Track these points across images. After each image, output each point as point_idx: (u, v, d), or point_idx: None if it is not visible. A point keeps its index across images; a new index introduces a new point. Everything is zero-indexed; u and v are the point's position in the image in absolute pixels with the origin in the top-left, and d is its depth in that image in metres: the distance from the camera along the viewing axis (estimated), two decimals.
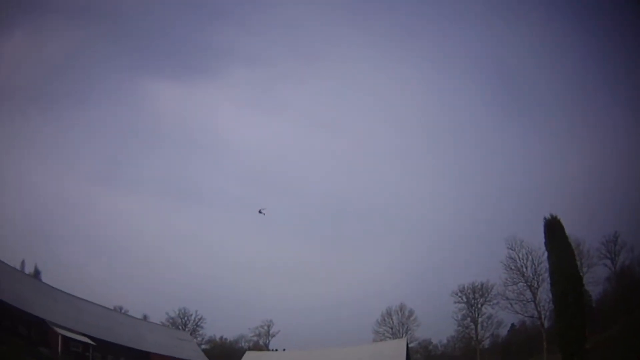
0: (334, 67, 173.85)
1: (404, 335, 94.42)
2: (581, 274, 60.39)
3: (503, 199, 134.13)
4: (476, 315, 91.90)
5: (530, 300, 78.76)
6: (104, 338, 56.46)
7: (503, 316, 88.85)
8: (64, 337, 49.76)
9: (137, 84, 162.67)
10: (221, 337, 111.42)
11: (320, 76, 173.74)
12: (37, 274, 74.40)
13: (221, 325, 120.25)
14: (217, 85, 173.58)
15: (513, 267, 79.82)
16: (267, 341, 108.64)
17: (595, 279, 75.20)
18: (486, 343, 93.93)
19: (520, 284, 79.73)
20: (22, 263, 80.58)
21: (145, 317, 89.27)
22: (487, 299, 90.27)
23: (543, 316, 77.30)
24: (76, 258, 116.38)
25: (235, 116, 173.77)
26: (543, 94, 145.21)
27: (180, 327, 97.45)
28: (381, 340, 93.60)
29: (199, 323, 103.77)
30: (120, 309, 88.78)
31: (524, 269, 79.13)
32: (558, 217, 53.75)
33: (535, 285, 78.11)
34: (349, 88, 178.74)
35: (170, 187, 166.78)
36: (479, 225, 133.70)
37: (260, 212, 61.26)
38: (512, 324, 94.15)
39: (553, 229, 53.43)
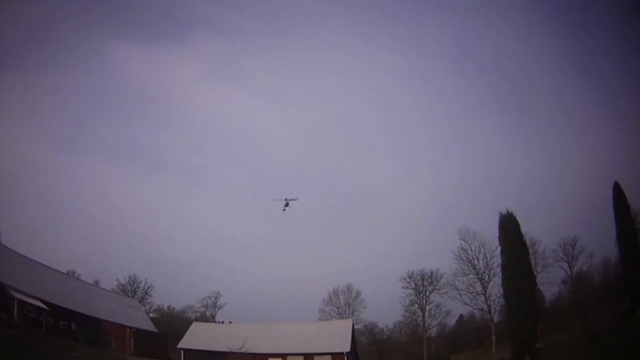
0: (308, 47, 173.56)
1: (350, 316, 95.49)
2: (535, 272, 61.69)
3: (463, 193, 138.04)
4: (424, 302, 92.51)
5: (480, 292, 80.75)
6: (58, 303, 55.02)
7: (452, 306, 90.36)
8: (20, 301, 48.38)
9: (105, 49, 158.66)
10: (169, 307, 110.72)
11: (291, 51, 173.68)
12: None
13: (169, 295, 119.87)
14: (186, 52, 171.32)
15: (464, 258, 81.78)
16: (214, 312, 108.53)
17: (549, 280, 76.46)
18: (433, 331, 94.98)
19: (471, 275, 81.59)
20: None
21: (96, 283, 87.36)
22: (436, 287, 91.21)
23: (493, 310, 79.39)
24: (34, 220, 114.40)
25: (201, 85, 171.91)
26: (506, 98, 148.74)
27: (129, 295, 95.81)
28: (327, 319, 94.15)
29: (147, 291, 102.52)
30: (73, 273, 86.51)
31: (476, 261, 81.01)
32: (514, 214, 53.97)
33: (486, 279, 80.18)
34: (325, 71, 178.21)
35: (132, 154, 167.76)
36: (433, 214, 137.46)
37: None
38: (461, 315, 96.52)
39: (508, 224, 53.53)
